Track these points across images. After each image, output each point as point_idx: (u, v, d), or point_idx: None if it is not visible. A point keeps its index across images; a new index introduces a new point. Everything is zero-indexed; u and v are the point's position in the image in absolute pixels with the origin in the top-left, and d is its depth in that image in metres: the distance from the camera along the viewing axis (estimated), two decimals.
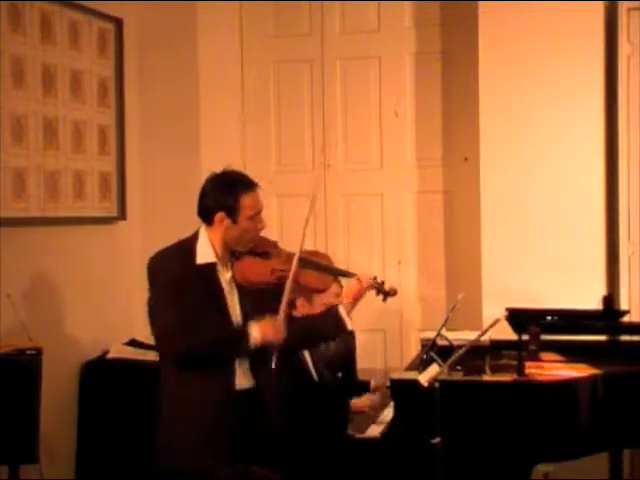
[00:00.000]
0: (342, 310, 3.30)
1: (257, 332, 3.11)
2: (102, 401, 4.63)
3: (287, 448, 3.35)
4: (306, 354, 3.82)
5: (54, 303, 4.52)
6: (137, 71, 5.18)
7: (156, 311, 3.16)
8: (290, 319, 3.34)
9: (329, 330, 3.40)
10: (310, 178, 5.29)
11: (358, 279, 3.35)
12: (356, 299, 3.36)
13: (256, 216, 3.19)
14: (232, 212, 3.14)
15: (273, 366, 3.11)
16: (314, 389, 3.75)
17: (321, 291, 3.37)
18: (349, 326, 3.32)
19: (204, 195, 3.20)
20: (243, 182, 3.19)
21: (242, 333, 3.12)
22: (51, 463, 4.29)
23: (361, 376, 4.48)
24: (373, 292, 3.44)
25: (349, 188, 5.38)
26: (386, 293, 3.46)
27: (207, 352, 3.10)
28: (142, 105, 5.19)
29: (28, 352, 3.74)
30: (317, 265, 3.33)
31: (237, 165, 5.23)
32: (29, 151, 4.33)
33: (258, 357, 3.20)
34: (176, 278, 3.12)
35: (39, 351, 3.75)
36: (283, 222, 5.26)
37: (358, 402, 3.97)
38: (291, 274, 3.18)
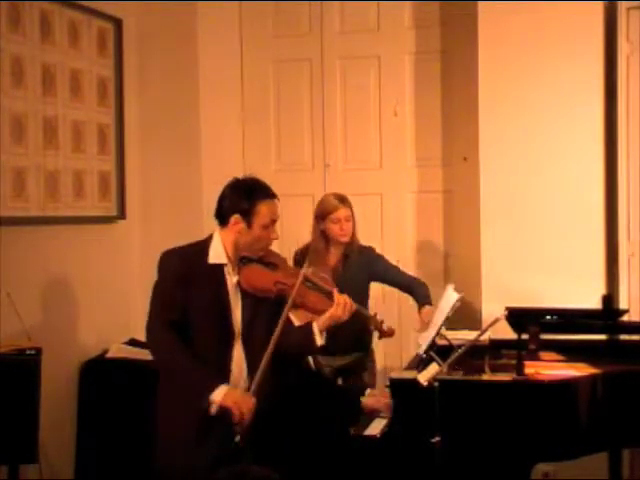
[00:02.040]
0: (315, 326, 3.30)
1: (220, 394, 3.08)
2: (102, 401, 4.63)
3: (286, 447, 3.35)
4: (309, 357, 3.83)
5: (54, 303, 4.52)
6: (137, 71, 5.19)
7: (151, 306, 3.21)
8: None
9: (302, 348, 3.41)
10: (310, 177, 5.32)
11: (338, 304, 3.32)
12: (336, 321, 3.34)
13: (270, 225, 3.23)
14: (247, 216, 3.18)
15: (236, 439, 3.06)
16: (324, 387, 3.75)
17: (319, 313, 3.36)
18: (319, 342, 3.31)
19: (223, 197, 3.26)
20: (262, 190, 3.25)
21: (210, 384, 3.11)
22: (51, 463, 4.29)
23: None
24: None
25: (349, 188, 5.36)
26: (383, 332, 3.48)
27: (175, 369, 3.16)
28: (142, 105, 5.20)
29: (28, 352, 3.75)
30: (320, 287, 3.34)
31: (237, 164, 5.29)
32: (29, 151, 4.34)
33: (255, 357, 3.22)
34: (175, 277, 3.15)
35: (39, 351, 3.75)
36: (283, 221, 5.24)
37: (369, 401, 3.87)
38: (291, 298, 3.18)
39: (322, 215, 4.28)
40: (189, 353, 3.13)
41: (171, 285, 3.16)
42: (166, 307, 3.15)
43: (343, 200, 4.28)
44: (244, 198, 3.20)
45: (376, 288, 5.04)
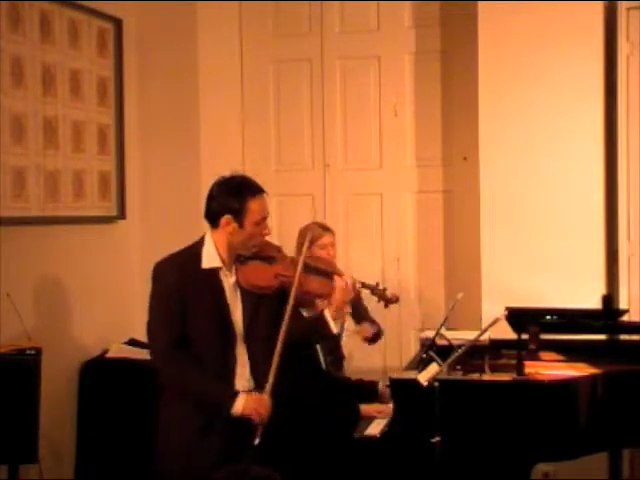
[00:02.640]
0: (327, 314, 3.29)
1: (240, 405, 3.09)
2: (102, 401, 4.63)
3: (288, 447, 3.35)
4: (319, 351, 3.85)
5: (54, 303, 4.52)
6: (136, 71, 5.19)
7: (150, 321, 3.18)
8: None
9: (314, 334, 3.41)
10: (310, 178, 5.34)
11: (339, 288, 3.33)
12: (341, 304, 3.35)
13: (262, 222, 3.19)
14: (238, 216, 3.14)
15: (255, 442, 3.08)
16: (327, 384, 3.76)
17: (325, 297, 3.36)
18: (334, 330, 3.32)
19: (211, 198, 3.21)
20: (250, 187, 3.19)
21: (227, 398, 3.11)
22: (51, 463, 4.29)
23: (359, 376, 4.48)
24: (375, 298, 3.46)
25: (349, 188, 5.38)
26: (387, 300, 3.46)
27: (189, 390, 3.15)
28: (141, 105, 5.20)
29: (28, 352, 3.74)
30: (320, 270, 3.33)
31: (237, 164, 5.29)
32: (29, 151, 4.34)
33: (259, 362, 3.22)
34: (171, 289, 3.13)
35: (39, 351, 3.75)
36: (282, 222, 5.26)
37: (366, 408, 3.91)
38: (293, 289, 3.17)
39: (310, 242, 4.31)
40: (198, 371, 3.13)
41: (168, 299, 3.12)
42: (167, 325, 3.11)
43: (327, 228, 4.35)
44: (233, 197, 3.14)
45: None
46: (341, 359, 4.42)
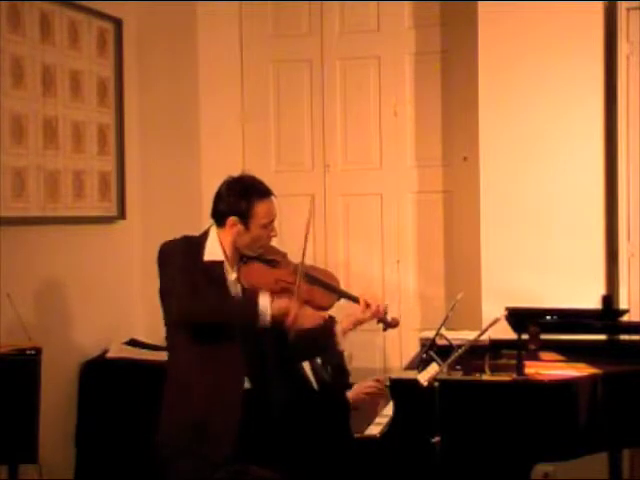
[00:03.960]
0: (339, 329, 3.30)
1: (267, 302, 3.02)
2: (102, 401, 4.63)
3: (286, 448, 3.35)
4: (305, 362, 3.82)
5: (54, 303, 4.52)
6: (137, 71, 5.19)
7: (169, 288, 3.12)
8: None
9: (324, 346, 3.41)
10: (310, 178, 5.33)
11: (367, 304, 3.33)
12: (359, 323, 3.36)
13: (269, 224, 3.19)
14: (245, 218, 3.15)
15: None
16: (314, 396, 3.75)
17: (324, 309, 3.36)
18: (341, 346, 3.32)
19: (219, 198, 3.22)
20: (258, 189, 3.20)
21: (253, 300, 3.05)
22: (51, 463, 4.29)
23: (360, 375, 4.48)
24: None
25: (348, 188, 5.38)
26: (388, 324, 3.46)
27: (217, 314, 3.08)
28: (142, 105, 5.20)
29: (28, 352, 3.74)
30: (324, 284, 3.33)
31: (237, 164, 5.29)
32: (29, 151, 4.34)
33: (255, 359, 3.21)
34: (188, 261, 3.12)
35: (39, 351, 3.75)
36: (282, 222, 5.23)
37: (352, 394, 3.85)
38: (297, 281, 3.17)
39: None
40: (221, 299, 3.10)
41: (189, 268, 3.09)
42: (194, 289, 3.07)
43: None
44: (240, 199, 3.15)
45: (377, 287, 5.06)
46: (344, 373, 4.39)
